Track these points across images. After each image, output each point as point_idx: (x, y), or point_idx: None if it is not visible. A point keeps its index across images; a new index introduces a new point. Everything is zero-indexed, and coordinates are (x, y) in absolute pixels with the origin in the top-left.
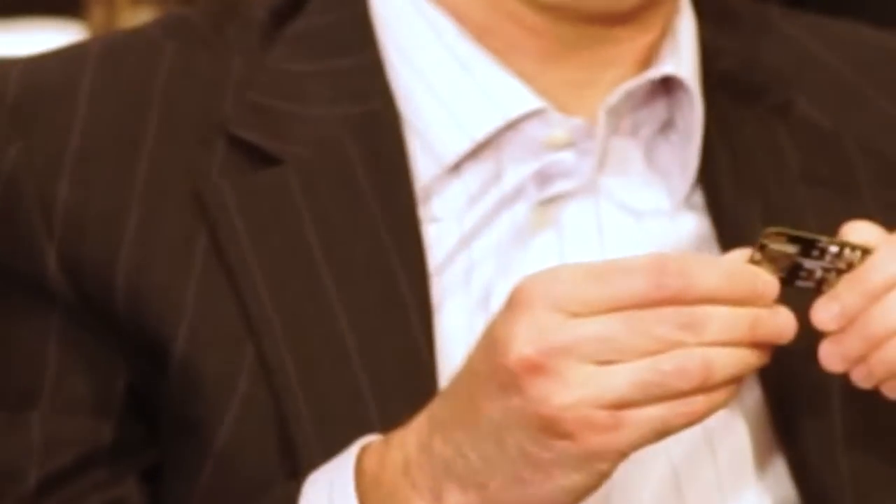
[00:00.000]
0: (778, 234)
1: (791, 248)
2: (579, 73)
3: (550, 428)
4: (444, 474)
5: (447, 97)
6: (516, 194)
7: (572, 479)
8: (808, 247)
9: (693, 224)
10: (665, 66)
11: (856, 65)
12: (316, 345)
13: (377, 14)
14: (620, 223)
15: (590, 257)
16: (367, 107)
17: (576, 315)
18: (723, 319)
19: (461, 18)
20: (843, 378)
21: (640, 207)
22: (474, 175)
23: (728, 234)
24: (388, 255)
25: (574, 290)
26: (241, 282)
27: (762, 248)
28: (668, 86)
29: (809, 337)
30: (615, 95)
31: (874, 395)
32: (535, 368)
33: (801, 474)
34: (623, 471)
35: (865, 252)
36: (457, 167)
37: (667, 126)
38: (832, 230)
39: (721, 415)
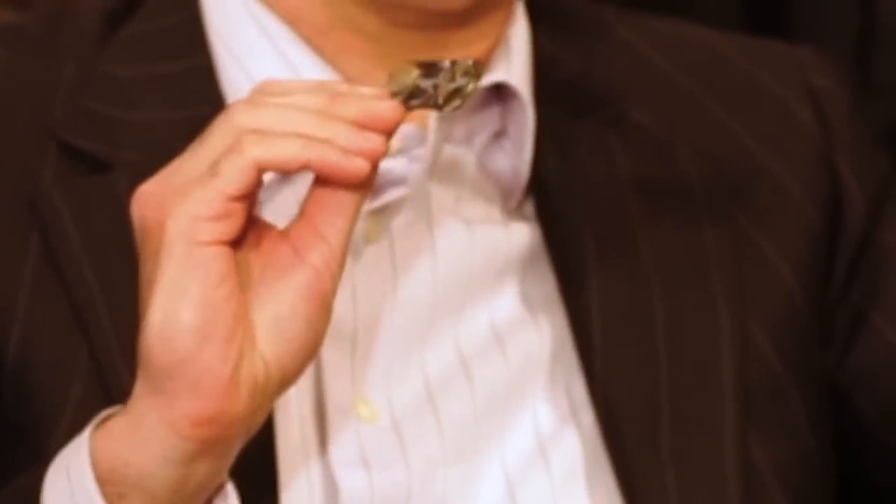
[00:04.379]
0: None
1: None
2: None
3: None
4: None
5: None
6: None
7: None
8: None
9: (525, 233)
10: (496, 74)
11: (686, 68)
12: None
13: (210, 18)
14: (453, 231)
15: (423, 267)
16: (197, 111)
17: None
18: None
19: (295, 20)
20: (672, 398)
21: (472, 216)
22: (306, 181)
23: (558, 243)
24: None
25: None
26: (74, 286)
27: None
28: (501, 94)
29: (641, 359)
30: None
31: (700, 414)
32: None
33: (629, 491)
34: (457, 477)
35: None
36: (287, 174)
37: (500, 134)
38: (665, 239)
39: (554, 426)
